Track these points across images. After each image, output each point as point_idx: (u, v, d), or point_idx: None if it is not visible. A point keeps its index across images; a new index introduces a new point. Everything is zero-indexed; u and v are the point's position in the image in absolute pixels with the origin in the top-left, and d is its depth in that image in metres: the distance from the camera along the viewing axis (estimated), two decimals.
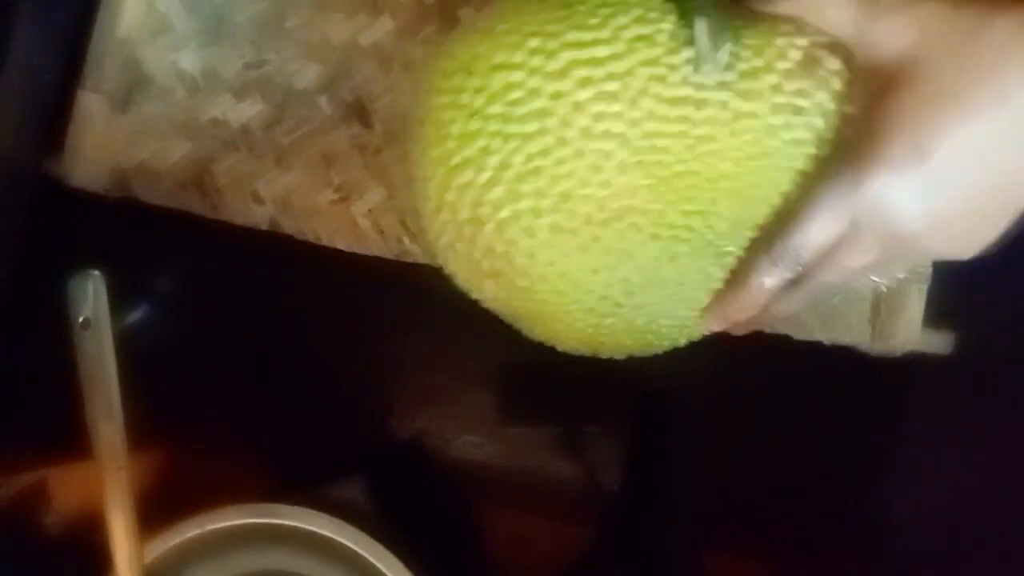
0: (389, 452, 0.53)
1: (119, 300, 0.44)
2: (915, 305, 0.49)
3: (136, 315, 0.52)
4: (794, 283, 0.38)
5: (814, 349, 0.50)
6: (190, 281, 0.53)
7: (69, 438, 0.45)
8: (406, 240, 0.51)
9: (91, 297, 0.44)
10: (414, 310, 0.52)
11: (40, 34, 0.51)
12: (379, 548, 0.45)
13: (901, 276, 0.45)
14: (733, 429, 0.51)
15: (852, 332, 0.50)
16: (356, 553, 0.45)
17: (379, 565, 0.45)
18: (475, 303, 0.52)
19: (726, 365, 0.51)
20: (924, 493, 0.51)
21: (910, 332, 0.49)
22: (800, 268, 0.37)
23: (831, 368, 0.51)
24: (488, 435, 0.52)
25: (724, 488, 0.51)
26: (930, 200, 0.33)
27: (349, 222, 0.51)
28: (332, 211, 0.51)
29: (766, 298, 0.38)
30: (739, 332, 0.42)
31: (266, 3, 0.52)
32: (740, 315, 0.40)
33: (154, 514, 0.45)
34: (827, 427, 0.51)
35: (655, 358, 0.51)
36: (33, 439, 0.51)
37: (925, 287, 0.49)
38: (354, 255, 0.51)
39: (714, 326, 0.41)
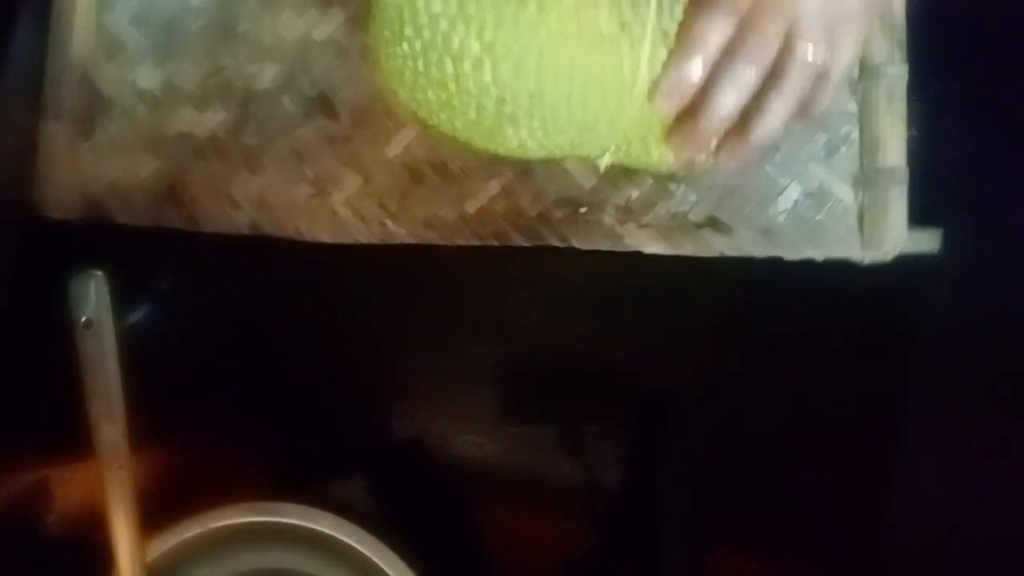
0: (389, 452, 0.53)
1: (121, 300, 0.45)
2: (897, 207, 0.50)
3: (138, 315, 0.52)
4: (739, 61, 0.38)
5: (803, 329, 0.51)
6: (191, 281, 0.53)
7: (71, 438, 0.45)
8: (388, 222, 0.51)
9: (93, 297, 0.44)
10: (414, 310, 0.52)
11: (40, 36, 0.51)
12: (381, 547, 0.45)
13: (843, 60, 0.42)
14: (733, 429, 0.52)
15: (842, 244, 0.50)
16: (358, 551, 0.45)
17: (381, 564, 0.45)
18: (474, 304, 0.52)
19: (726, 365, 0.52)
20: (924, 494, 0.51)
21: (897, 234, 0.50)
22: (735, 11, 0.37)
23: (823, 355, 0.52)
24: (488, 435, 0.52)
25: (724, 488, 0.51)
26: None
27: (328, 213, 0.51)
28: (310, 205, 0.51)
29: (713, 51, 0.38)
30: (704, 138, 0.40)
31: (215, 11, 0.52)
32: (688, 79, 0.38)
33: (156, 513, 0.45)
34: (827, 424, 0.51)
35: (655, 359, 0.52)
36: (35, 439, 0.52)
37: (904, 188, 0.50)
38: (351, 251, 0.51)
39: (665, 104, 0.39)
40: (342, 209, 0.51)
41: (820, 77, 0.40)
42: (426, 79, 0.40)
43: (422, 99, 0.42)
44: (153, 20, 0.52)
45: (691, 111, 0.40)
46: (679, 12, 0.39)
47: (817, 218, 0.51)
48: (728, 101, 0.39)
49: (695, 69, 0.38)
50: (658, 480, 0.51)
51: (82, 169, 0.52)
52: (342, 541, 0.46)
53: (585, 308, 0.52)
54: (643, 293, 0.52)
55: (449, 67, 0.39)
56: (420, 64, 0.40)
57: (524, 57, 0.39)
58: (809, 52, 0.38)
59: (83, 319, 0.44)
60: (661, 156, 0.43)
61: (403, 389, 0.53)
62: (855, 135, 0.51)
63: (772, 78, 0.39)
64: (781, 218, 0.51)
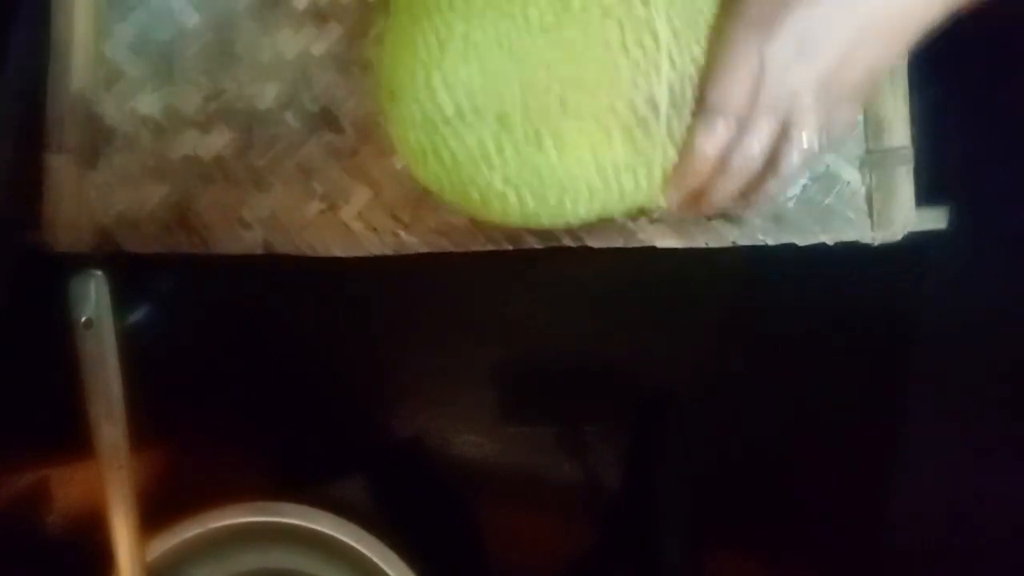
0: (389, 452, 0.53)
1: (121, 300, 0.45)
2: (905, 186, 0.51)
3: (138, 315, 0.52)
4: (740, 151, 0.40)
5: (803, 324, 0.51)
6: (192, 281, 0.53)
7: (71, 438, 0.45)
8: (401, 232, 0.51)
9: (93, 297, 0.44)
10: (414, 310, 0.52)
11: (36, 64, 0.51)
12: (381, 546, 0.45)
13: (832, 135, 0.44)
14: (733, 429, 0.52)
15: (853, 226, 0.51)
16: (358, 551, 0.45)
17: (381, 564, 0.45)
18: (476, 304, 0.52)
19: (726, 365, 0.52)
20: (924, 494, 0.51)
21: (906, 213, 0.50)
22: (732, 117, 0.39)
23: (824, 354, 0.52)
24: (488, 435, 0.52)
25: (724, 488, 0.51)
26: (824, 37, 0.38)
27: (340, 228, 0.51)
28: (322, 221, 0.51)
29: (715, 158, 0.40)
30: (708, 211, 0.44)
31: (211, 33, 0.52)
32: (694, 180, 0.41)
33: (156, 513, 0.45)
34: (826, 425, 0.52)
35: (655, 359, 0.52)
36: (35, 439, 0.51)
37: (910, 167, 0.50)
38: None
39: (675, 197, 0.43)
40: (354, 223, 0.51)
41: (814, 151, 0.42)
42: (452, 194, 0.43)
43: (450, 200, 0.44)
44: (151, 46, 0.52)
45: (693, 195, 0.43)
46: (688, 115, 0.40)
47: (826, 202, 0.51)
48: (727, 192, 0.42)
49: (698, 174, 0.41)
50: (658, 480, 0.51)
51: (89, 201, 0.52)
52: (342, 541, 0.46)
53: (587, 308, 0.53)
54: (646, 291, 0.52)
55: (475, 195, 0.41)
56: (446, 184, 0.42)
57: (546, 190, 0.41)
58: (804, 140, 0.40)
59: (83, 319, 0.43)
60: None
61: (403, 389, 0.53)
62: (860, 118, 0.51)
63: (770, 164, 0.41)
64: (790, 204, 0.51)
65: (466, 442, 0.52)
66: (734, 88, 0.39)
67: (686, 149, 0.40)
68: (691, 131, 0.40)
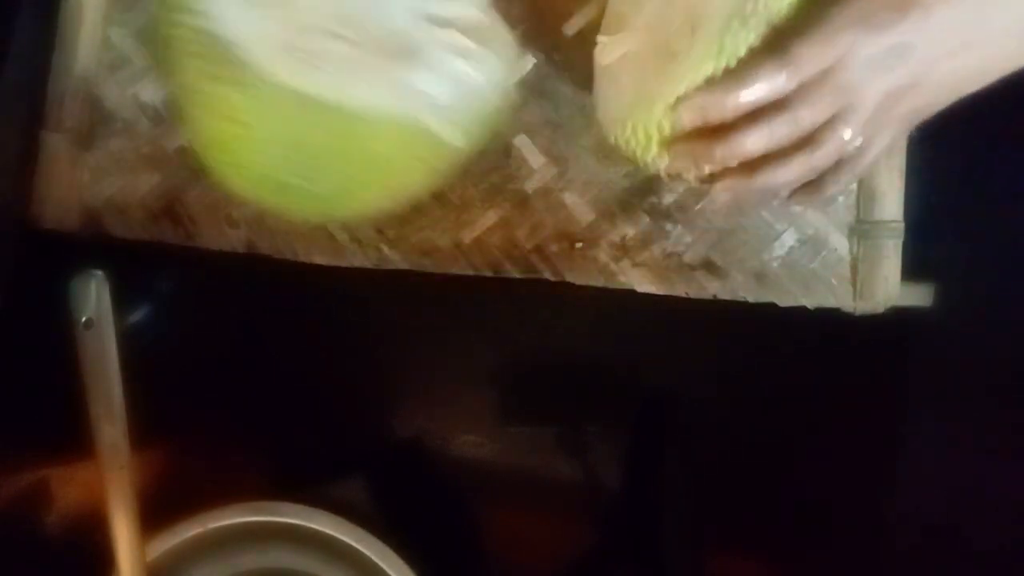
0: (389, 452, 0.53)
1: (121, 300, 0.45)
2: (892, 261, 0.50)
3: (138, 315, 0.52)
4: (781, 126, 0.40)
5: (803, 328, 0.51)
6: (192, 282, 0.53)
7: (71, 438, 0.45)
8: (384, 248, 0.51)
9: (94, 297, 0.44)
10: (415, 310, 0.52)
11: (42, 45, 0.51)
12: (380, 546, 0.45)
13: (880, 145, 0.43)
14: (733, 429, 0.52)
15: (834, 294, 0.50)
16: (358, 551, 0.45)
17: (380, 563, 0.45)
18: (479, 303, 0.52)
19: (726, 365, 0.52)
20: (924, 494, 0.51)
21: (890, 288, 0.50)
22: (793, 82, 0.39)
23: (824, 356, 0.52)
24: (488, 435, 0.52)
25: (724, 488, 0.51)
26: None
27: (325, 236, 0.51)
28: (307, 227, 0.51)
29: (759, 101, 0.40)
30: (717, 186, 0.42)
31: None
32: (720, 108, 0.40)
33: (156, 513, 0.45)
34: (826, 424, 0.52)
35: (655, 359, 0.52)
36: (35, 439, 0.52)
37: (900, 242, 0.50)
38: None
39: (687, 115, 0.41)
40: (339, 232, 0.51)
41: (844, 161, 0.41)
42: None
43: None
44: (157, 35, 0.52)
45: (709, 132, 0.41)
46: (742, 43, 0.40)
47: (811, 266, 0.50)
48: (754, 144, 0.40)
49: (735, 104, 0.40)
50: (659, 480, 0.51)
51: (81, 182, 0.52)
52: (342, 541, 0.46)
53: (588, 308, 0.52)
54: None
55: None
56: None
57: None
58: (847, 136, 0.40)
59: (83, 319, 0.44)
60: (657, 157, 0.43)
61: (403, 389, 0.53)
62: (853, 186, 0.51)
63: (805, 142, 0.40)
64: (775, 264, 0.51)
65: (466, 442, 0.52)
66: (816, 58, 0.39)
67: (740, 74, 0.40)
68: (753, 56, 0.39)
